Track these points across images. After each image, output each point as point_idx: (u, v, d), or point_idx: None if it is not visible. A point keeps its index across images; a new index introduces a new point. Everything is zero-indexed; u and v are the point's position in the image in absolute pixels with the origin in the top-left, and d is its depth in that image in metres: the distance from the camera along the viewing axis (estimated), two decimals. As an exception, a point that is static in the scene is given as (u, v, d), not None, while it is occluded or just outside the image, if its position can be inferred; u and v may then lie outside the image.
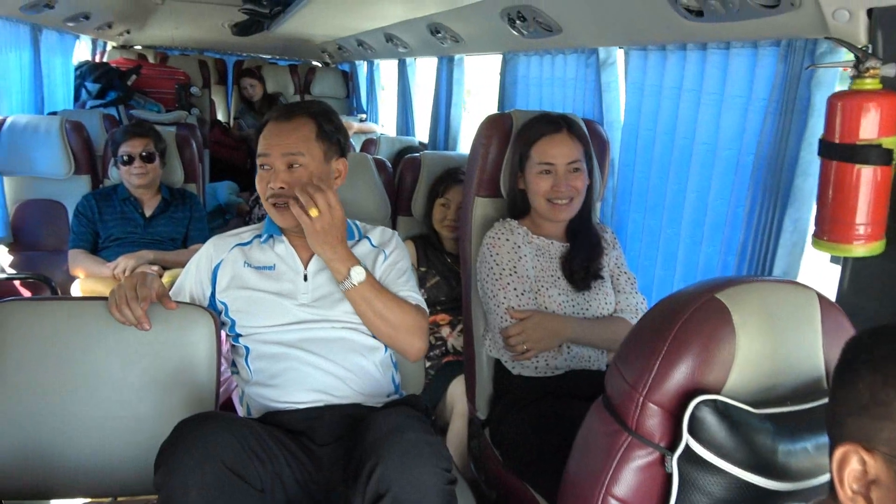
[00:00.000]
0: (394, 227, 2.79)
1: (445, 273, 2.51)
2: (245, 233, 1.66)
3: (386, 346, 1.60)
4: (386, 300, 1.53)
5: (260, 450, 1.25)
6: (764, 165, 1.50)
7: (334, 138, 1.59)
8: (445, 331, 2.48)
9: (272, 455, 1.29)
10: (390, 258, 1.64)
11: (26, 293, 2.89)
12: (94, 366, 1.39)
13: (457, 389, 2.19)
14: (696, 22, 1.54)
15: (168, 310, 1.41)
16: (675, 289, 1.90)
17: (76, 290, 2.61)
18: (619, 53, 2.11)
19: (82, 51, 5.00)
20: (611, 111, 2.15)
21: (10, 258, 2.96)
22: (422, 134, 4.08)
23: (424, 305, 1.65)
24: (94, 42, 5.17)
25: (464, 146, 3.57)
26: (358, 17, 3.50)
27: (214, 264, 1.60)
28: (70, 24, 3.84)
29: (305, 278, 1.58)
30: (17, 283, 2.85)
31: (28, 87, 3.44)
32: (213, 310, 1.60)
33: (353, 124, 4.32)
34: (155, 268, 2.65)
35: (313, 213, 1.43)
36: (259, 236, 1.64)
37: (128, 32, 5.48)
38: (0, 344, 1.34)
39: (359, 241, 1.66)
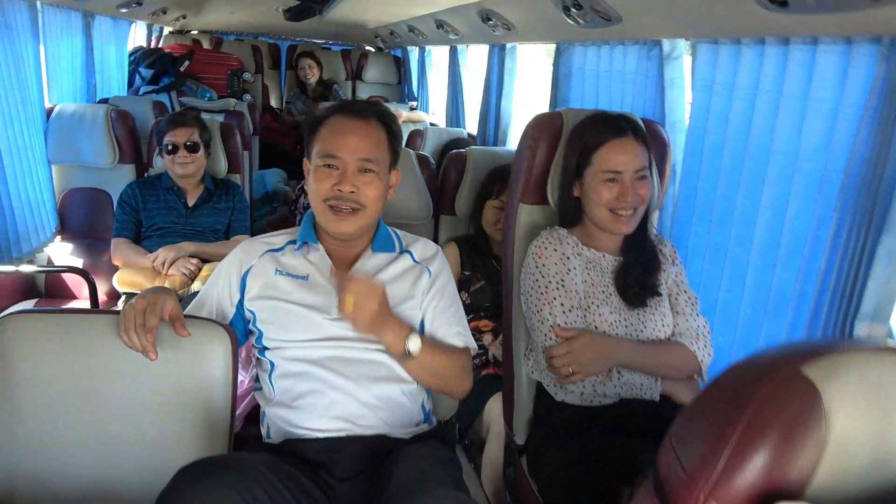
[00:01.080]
0: (436, 227, 2.66)
1: (491, 277, 2.36)
2: (277, 237, 1.56)
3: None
4: (441, 359, 1.45)
5: (268, 500, 1.13)
6: (856, 183, 1.28)
7: (397, 148, 1.50)
8: (487, 338, 2.34)
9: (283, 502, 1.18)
10: (437, 282, 1.52)
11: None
12: (102, 383, 1.32)
13: (495, 408, 2.06)
14: (779, 13, 1.32)
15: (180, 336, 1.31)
16: (741, 314, 1.70)
17: (116, 279, 2.61)
18: (685, 46, 1.90)
19: (139, 36, 5.05)
20: (674, 110, 1.93)
21: (55, 246, 2.98)
22: (472, 125, 3.91)
23: (472, 340, 1.54)
24: (149, 27, 5.21)
25: (514, 140, 3.39)
26: (408, 3, 3.36)
27: (244, 270, 1.51)
28: (123, 11, 3.84)
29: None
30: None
31: (80, 74, 3.45)
32: (241, 318, 1.51)
33: (402, 112, 4.19)
34: (195, 261, 2.62)
35: (349, 306, 1.32)
36: (292, 242, 1.53)
37: (183, 17, 5.51)
38: (5, 358, 1.28)
39: (399, 255, 1.54)
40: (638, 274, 1.62)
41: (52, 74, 3.09)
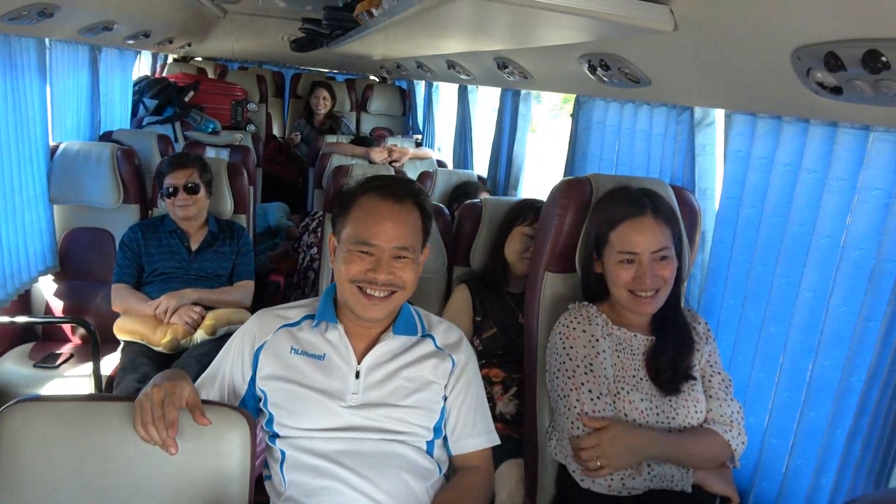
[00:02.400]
0: (449, 279, 2.59)
1: (505, 323, 2.27)
2: (294, 310, 1.48)
3: (441, 469, 1.40)
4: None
5: None
6: (912, 279, 1.23)
7: (430, 228, 1.43)
8: (497, 391, 2.23)
9: None
10: (464, 376, 1.46)
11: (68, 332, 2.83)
12: (111, 475, 1.23)
13: (508, 475, 1.95)
14: (831, 99, 1.27)
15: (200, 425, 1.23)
16: (776, 398, 1.63)
17: (116, 328, 2.52)
18: (717, 113, 1.85)
19: (143, 65, 5.00)
20: (704, 178, 1.88)
21: (55, 286, 2.89)
22: (480, 166, 3.86)
23: (496, 434, 1.49)
24: (154, 56, 5.17)
25: (526, 187, 3.34)
26: (420, 46, 3.32)
27: (257, 346, 1.43)
28: (130, 42, 3.78)
29: (357, 375, 1.39)
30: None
31: (85, 108, 3.38)
32: (253, 396, 1.43)
33: (408, 150, 4.14)
34: (198, 308, 2.54)
35: None
36: (310, 317, 1.46)
37: (188, 45, 5.47)
38: (8, 451, 1.19)
39: (420, 339, 1.46)
40: (671, 357, 1.55)
41: (58, 111, 3.02)
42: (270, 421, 1.41)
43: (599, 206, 1.64)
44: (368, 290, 1.35)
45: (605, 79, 2.08)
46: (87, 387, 2.42)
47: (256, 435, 1.32)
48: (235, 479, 1.29)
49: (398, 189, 1.38)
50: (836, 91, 1.24)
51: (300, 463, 1.36)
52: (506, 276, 2.32)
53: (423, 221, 1.40)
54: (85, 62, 3.32)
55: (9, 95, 2.48)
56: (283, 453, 1.38)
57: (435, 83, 4.77)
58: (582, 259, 1.67)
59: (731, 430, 1.55)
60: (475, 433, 1.47)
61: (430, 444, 1.43)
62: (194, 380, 1.48)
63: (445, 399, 1.45)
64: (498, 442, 1.51)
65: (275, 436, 1.41)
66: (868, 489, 1.37)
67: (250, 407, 1.45)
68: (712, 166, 1.88)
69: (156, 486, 1.24)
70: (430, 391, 1.43)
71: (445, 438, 1.47)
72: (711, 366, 1.61)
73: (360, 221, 1.36)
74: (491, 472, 1.51)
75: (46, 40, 2.77)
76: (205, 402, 1.33)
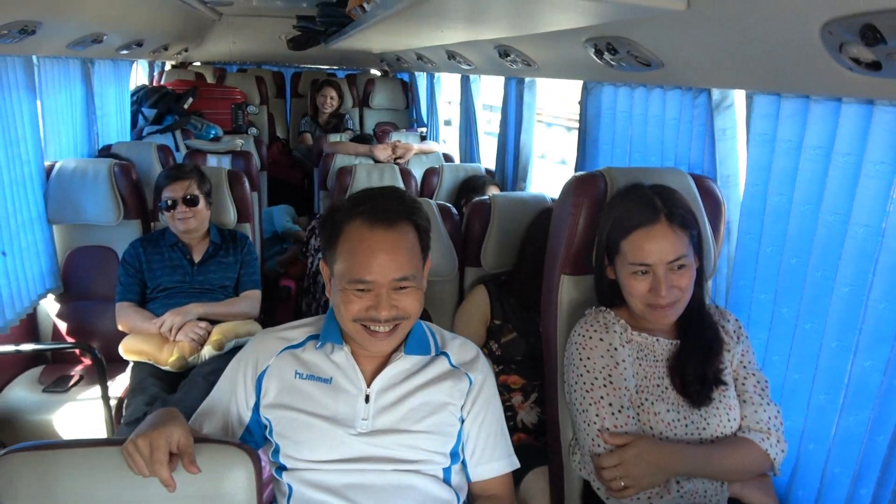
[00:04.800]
0: (461, 281, 2.49)
1: (524, 328, 2.17)
2: (297, 330, 1.39)
3: (459, 498, 1.31)
4: None
5: None
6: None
7: (428, 241, 1.31)
8: (517, 399, 2.15)
9: None
10: (482, 396, 1.36)
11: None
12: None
13: (532, 485, 1.85)
14: (868, 76, 1.15)
15: (190, 472, 1.15)
16: (812, 400, 1.51)
17: (122, 348, 2.46)
18: (737, 94, 1.73)
19: (140, 74, 4.93)
20: (726, 164, 1.76)
21: (58, 307, 2.84)
22: (487, 159, 3.74)
23: (515, 458, 1.39)
24: (150, 65, 5.09)
25: (535, 178, 3.22)
26: (418, 37, 3.20)
27: (260, 371, 1.34)
28: (124, 53, 3.71)
29: (367, 399, 1.30)
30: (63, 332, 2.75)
31: (80, 124, 3.31)
32: (258, 423, 1.35)
33: (412, 146, 4.03)
34: (203, 324, 2.48)
35: None
36: (314, 338, 1.36)
37: (185, 51, 5.39)
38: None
39: (434, 358, 1.37)
40: (697, 363, 1.43)
41: (51, 128, 2.95)
42: (276, 452, 1.33)
43: (610, 208, 1.51)
44: (372, 328, 1.26)
45: (612, 63, 1.95)
46: (98, 410, 2.36)
47: (262, 470, 1.24)
48: (241, 522, 1.21)
49: (388, 210, 1.25)
50: (874, 66, 1.11)
51: (307, 498, 1.28)
52: (531, 282, 2.22)
53: (420, 240, 1.30)
54: (77, 76, 3.25)
55: (-5, 115, 2.42)
56: (290, 487, 1.30)
57: (437, 74, 4.64)
58: (595, 264, 1.56)
59: (768, 438, 1.44)
60: (496, 457, 1.38)
61: (447, 470, 1.35)
62: (202, 400, 1.41)
63: (462, 421, 1.36)
64: (518, 465, 1.42)
65: (281, 468, 1.33)
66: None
67: (256, 435, 1.37)
68: (734, 151, 1.76)
69: (155, 534, 1.17)
70: (446, 413, 1.34)
71: (464, 463, 1.38)
72: (745, 367, 1.50)
73: (351, 256, 1.24)
74: (512, 500, 1.42)
75: (34, 57, 2.70)
76: (204, 439, 1.25)
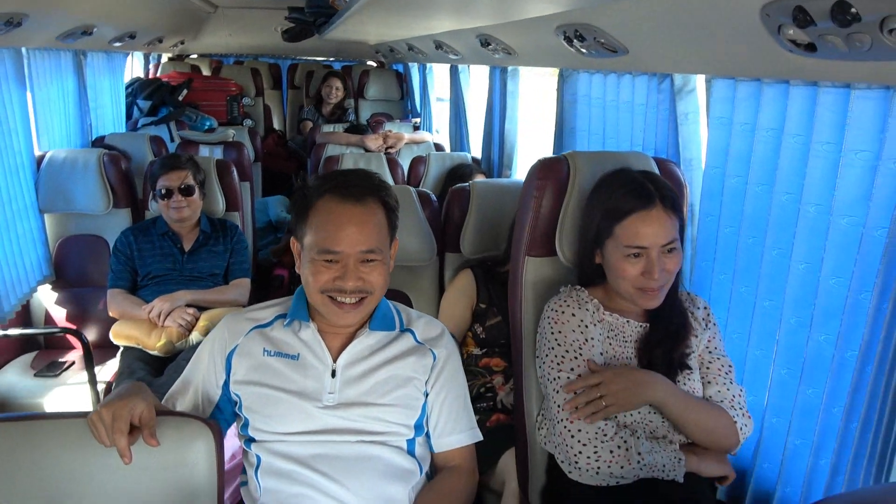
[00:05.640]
0: (441, 267, 2.53)
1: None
2: (265, 311, 1.44)
3: (422, 468, 1.36)
4: None
5: None
6: (902, 247, 1.14)
7: (396, 221, 1.37)
8: (498, 380, 2.18)
9: None
10: (445, 371, 1.40)
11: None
12: (75, 495, 1.20)
13: (510, 464, 1.91)
14: (807, 57, 1.18)
15: (150, 445, 1.20)
16: (774, 375, 1.55)
17: (112, 333, 2.52)
18: (698, 79, 1.75)
19: (136, 66, 4.97)
20: (689, 147, 1.79)
21: (50, 294, 2.90)
22: (477, 148, 3.77)
23: (478, 431, 1.45)
24: (146, 57, 5.14)
25: (521, 165, 3.25)
26: (405, 27, 3.24)
27: (229, 350, 1.39)
28: (117, 45, 3.75)
29: (334, 374, 1.35)
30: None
31: (73, 115, 3.36)
32: (229, 400, 1.40)
33: (403, 136, 4.07)
34: (191, 310, 2.53)
35: None
36: (282, 317, 1.41)
37: (181, 43, 5.43)
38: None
39: (399, 334, 1.41)
40: (665, 347, 1.47)
41: (42, 120, 3.00)
42: (246, 425, 1.38)
43: (600, 194, 1.52)
44: (339, 299, 1.30)
45: (583, 50, 1.99)
46: (88, 394, 2.42)
47: (223, 445, 1.29)
48: (203, 490, 1.25)
49: (357, 187, 1.31)
50: (811, 48, 1.14)
51: (274, 468, 1.32)
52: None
53: (387, 218, 1.34)
54: (69, 68, 3.29)
55: (-12, 108, 2.47)
56: (258, 458, 1.35)
57: (428, 65, 4.67)
58: (575, 248, 1.59)
59: (734, 412, 1.47)
60: (458, 430, 1.43)
61: (411, 442, 1.39)
62: None
63: (427, 395, 1.40)
64: (480, 438, 1.46)
65: (250, 440, 1.38)
66: (868, 472, 1.29)
67: (226, 411, 1.42)
68: (696, 135, 1.79)
69: (120, 501, 1.22)
70: (410, 387, 1.38)
71: (427, 435, 1.43)
72: (711, 352, 1.53)
73: (320, 228, 1.29)
74: (473, 471, 1.46)
75: (23, 49, 2.75)
76: (168, 413, 1.30)
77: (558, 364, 1.48)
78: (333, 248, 1.28)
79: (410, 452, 1.38)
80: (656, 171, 1.69)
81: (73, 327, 2.55)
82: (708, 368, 1.51)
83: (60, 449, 1.21)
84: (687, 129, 1.77)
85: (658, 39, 1.58)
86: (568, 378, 1.46)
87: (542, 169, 1.67)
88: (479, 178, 3.08)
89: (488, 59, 3.02)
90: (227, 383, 1.40)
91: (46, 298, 2.90)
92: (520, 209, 1.73)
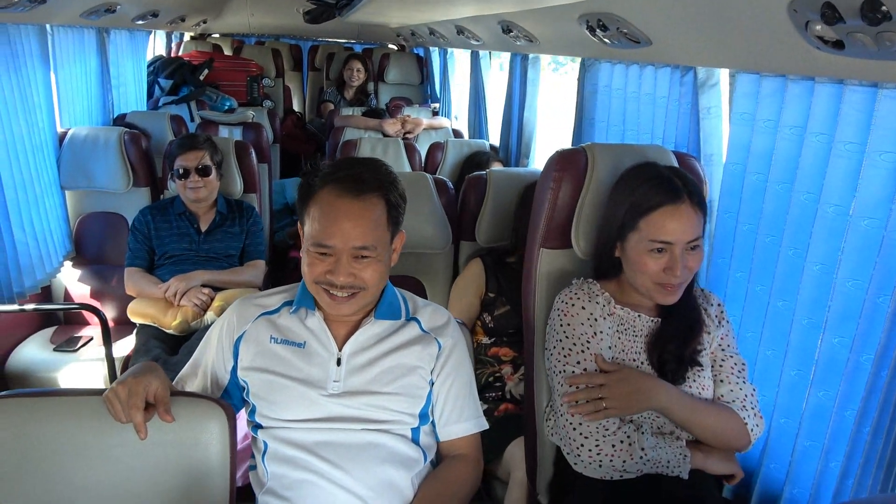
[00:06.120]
0: (456, 255, 2.53)
1: (518, 301, 2.20)
2: (273, 297, 1.45)
3: (427, 456, 1.37)
4: None
5: None
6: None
7: (400, 217, 1.35)
8: (506, 370, 2.19)
9: None
10: (451, 360, 1.40)
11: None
12: (89, 469, 1.23)
13: (517, 454, 1.92)
14: (834, 55, 1.16)
15: (164, 421, 1.22)
16: (784, 376, 1.53)
17: (129, 311, 2.56)
18: (722, 73, 1.72)
19: (158, 44, 5.00)
20: (710, 143, 1.76)
21: (70, 271, 2.94)
22: (495, 135, 3.75)
23: (484, 419, 1.44)
24: (168, 35, 5.16)
25: (539, 154, 3.23)
26: (427, 10, 3.22)
27: (237, 336, 1.41)
28: (140, 23, 3.77)
29: (339, 362, 1.36)
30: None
31: (95, 93, 3.39)
32: (237, 385, 1.42)
33: (421, 121, 4.05)
34: (207, 290, 2.55)
35: None
36: (288, 304, 1.42)
37: (203, 22, 5.45)
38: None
39: (405, 323, 1.41)
40: (677, 343, 1.45)
41: (65, 97, 3.03)
42: (253, 411, 1.40)
43: (625, 187, 1.49)
44: (332, 291, 1.31)
45: (606, 40, 1.96)
46: (103, 370, 2.47)
47: (236, 426, 1.31)
48: (215, 470, 1.28)
49: (359, 181, 1.29)
50: (838, 45, 1.12)
51: (280, 454, 1.34)
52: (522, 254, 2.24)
53: (388, 214, 1.32)
54: (92, 46, 3.32)
55: (14, 85, 2.49)
56: (265, 444, 1.37)
57: (449, 50, 4.64)
58: (594, 241, 1.58)
59: (745, 413, 1.46)
60: (463, 418, 1.43)
61: (416, 430, 1.40)
62: None
63: (432, 384, 1.41)
64: (486, 427, 1.47)
65: (257, 426, 1.40)
66: (878, 477, 1.28)
67: (235, 397, 1.44)
68: (718, 130, 1.76)
69: (134, 478, 1.25)
70: (415, 376, 1.38)
71: (433, 424, 1.44)
72: (724, 349, 1.51)
73: (317, 220, 1.28)
74: (478, 459, 1.46)
75: (48, 26, 2.77)
76: (182, 393, 1.33)
77: (565, 357, 1.48)
78: (326, 241, 1.27)
79: (415, 441, 1.39)
80: (676, 165, 1.67)
81: (92, 303, 2.59)
82: (721, 367, 1.50)
83: (76, 426, 1.24)
84: (709, 123, 1.75)
85: (682, 31, 1.56)
86: (573, 372, 1.45)
87: (561, 160, 1.66)
88: (497, 167, 3.07)
89: (510, 46, 2.99)
90: (234, 369, 1.41)
91: (66, 275, 2.95)
92: (536, 200, 1.72)
